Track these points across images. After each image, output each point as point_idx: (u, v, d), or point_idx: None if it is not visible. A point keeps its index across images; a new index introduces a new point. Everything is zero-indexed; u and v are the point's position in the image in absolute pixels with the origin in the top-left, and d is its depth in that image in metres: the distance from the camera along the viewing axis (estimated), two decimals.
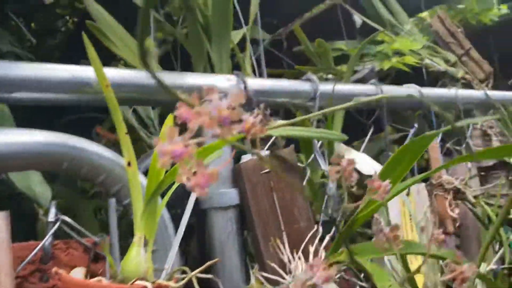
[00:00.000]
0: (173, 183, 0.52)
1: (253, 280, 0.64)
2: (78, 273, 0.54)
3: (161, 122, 1.20)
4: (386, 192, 0.37)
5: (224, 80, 0.67)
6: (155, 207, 0.50)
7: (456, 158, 0.45)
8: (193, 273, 0.49)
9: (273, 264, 0.64)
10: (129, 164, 0.53)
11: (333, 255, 0.55)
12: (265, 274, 0.63)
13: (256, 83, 0.71)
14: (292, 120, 0.45)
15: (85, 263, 0.55)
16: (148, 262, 0.47)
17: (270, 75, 1.45)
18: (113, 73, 0.59)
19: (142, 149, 1.20)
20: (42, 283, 0.54)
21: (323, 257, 0.64)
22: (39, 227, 0.62)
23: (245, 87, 0.68)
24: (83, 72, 0.56)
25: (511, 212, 0.99)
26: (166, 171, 0.51)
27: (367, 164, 0.72)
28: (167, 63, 0.95)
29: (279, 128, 0.46)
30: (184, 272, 0.50)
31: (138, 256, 0.46)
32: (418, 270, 0.41)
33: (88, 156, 0.53)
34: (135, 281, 0.45)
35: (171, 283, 0.45)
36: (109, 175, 0.55)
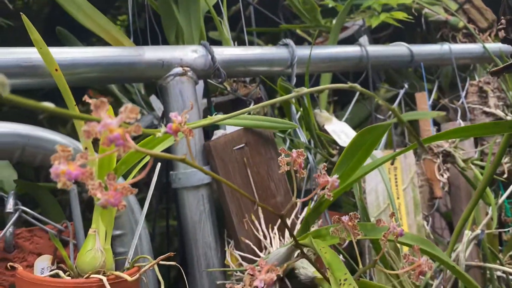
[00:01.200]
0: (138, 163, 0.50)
1: (228, 258, 0.64)
2: (44, 261, 0.54)
3: (145, 86, 1.16)
4: (334, 188, 0.35)
5: (189, 52, 0.63)
6: None
7: (399, 150, 0.42)
8: (154, 262, 0.48)
9: (247, 241, 0.63)
10: (86, 149, 0.51)
11: (300, 236, 0.54)
12: (239, 253, 0.62)
13: (225, 52, 0.67)
14: (245, 110, 0.42)
15: (51, 250, 0.54)
16: (105, 254, 0.46)
17: (262, 35, 1.38)
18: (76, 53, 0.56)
19: None
20: (10, 271, 0.54)
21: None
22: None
23: (212, 58, 0.64)
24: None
25: (505, 173, 0.95)
26: (118, 159, 0.48)
27: (345, 135, 0.69)
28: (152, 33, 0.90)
29: (229, 118, 0.43)
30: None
31: (93, 249, 0.45)
32: (375, 263, 0.39)
33: (41, 144, 0.51)
34: (90, 275, 0.44)
35: (127, 276, 0.44)
36: None
